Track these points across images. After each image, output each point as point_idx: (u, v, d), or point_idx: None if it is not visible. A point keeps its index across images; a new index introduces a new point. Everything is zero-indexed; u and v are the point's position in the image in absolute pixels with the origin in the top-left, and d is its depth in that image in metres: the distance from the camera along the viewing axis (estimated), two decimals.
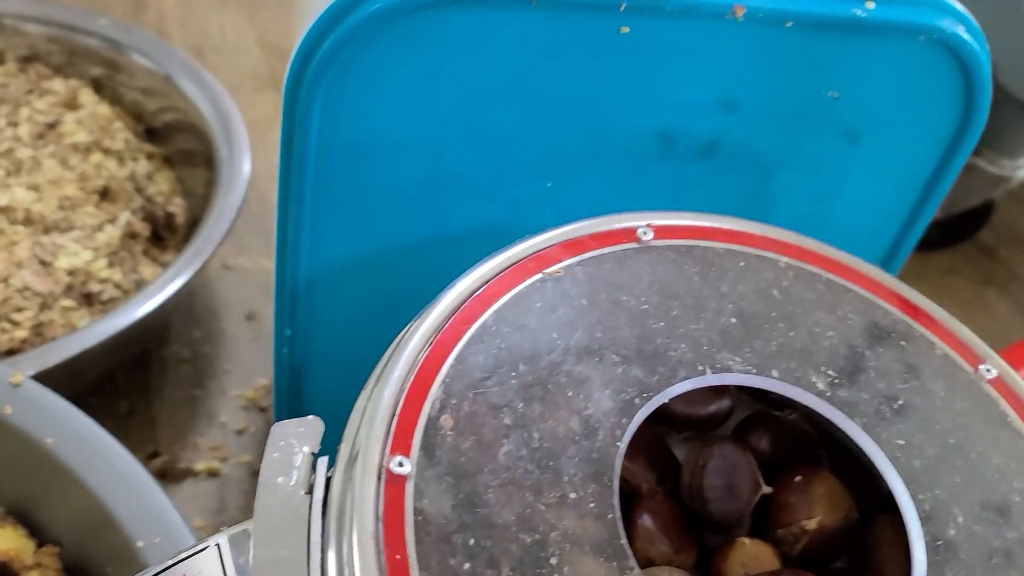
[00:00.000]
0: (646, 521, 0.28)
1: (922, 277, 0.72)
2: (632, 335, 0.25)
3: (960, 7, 0.32)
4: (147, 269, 0.57)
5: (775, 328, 0.26)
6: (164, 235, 0.61)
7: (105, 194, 0.59)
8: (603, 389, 0.24)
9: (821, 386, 0.25)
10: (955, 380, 0.26)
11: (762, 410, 0.33)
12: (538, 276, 0.26)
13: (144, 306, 0.48)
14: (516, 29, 0.30)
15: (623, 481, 0.30)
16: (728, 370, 0.25)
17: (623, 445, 0.23)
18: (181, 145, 0.64)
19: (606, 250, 0.27)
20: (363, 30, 0.28)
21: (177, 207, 0.61)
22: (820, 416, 0.27)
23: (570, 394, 0.24)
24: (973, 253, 0.74)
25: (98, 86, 0.65)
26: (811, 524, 0.29)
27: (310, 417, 0.23)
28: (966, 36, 0.32)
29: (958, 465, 0.25)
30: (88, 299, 0.53)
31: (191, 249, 0.52)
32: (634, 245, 0.27)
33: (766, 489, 0.29)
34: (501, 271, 0.26)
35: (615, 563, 0.21)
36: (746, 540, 0.29)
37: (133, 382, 0.56)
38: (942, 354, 0.27)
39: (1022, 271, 0.74)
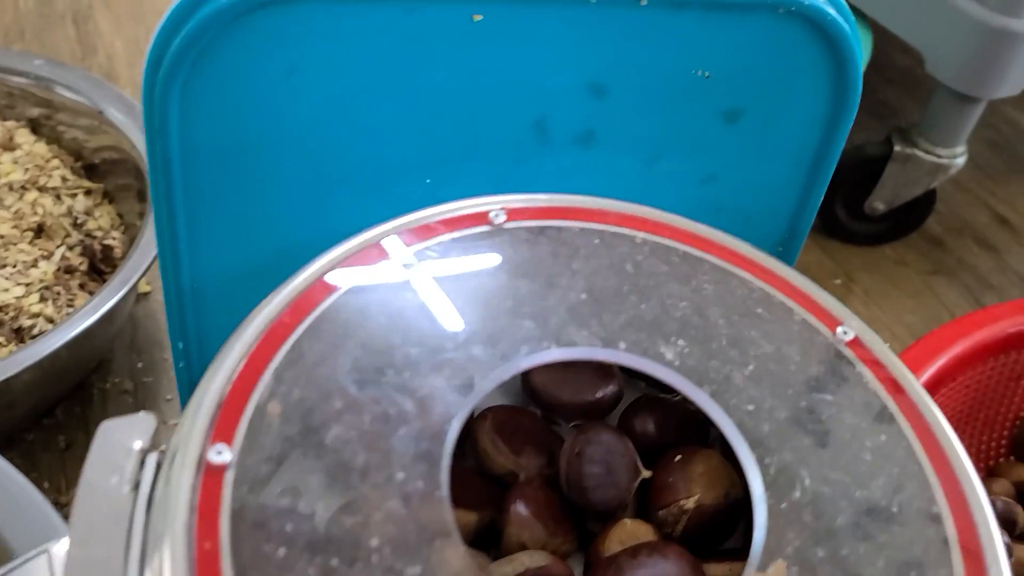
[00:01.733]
0: (519, 507, 0.27)
1: (872, 269, 0.72)
2: (476, 316, 0.25)
3: None
4: (83, 301, 0.57)
5: (626, 301, 0.26)
6: (102, 268, 0.61)
7: (40, 231, 0.59)
8: (440, 369, 0.24)
9: (670, 356, 0.25)
10: (811, 344, 0.26)
11: (647, 394, 0.32)
12: (382, 263, 0.26)
13: (69, 333, 0.48)
14: (372, 22, 0.30)
15: (502, 469, 0.29)
16: (573, 344, 0.24)
17: (458, 422, 0.23)
18: (120, 180, 0.65)
19: (457, 234, 0.26)
20: (211, 27, 0.28)
21: (115, 240, 0.61)
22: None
23: (407, 376, 0.23)
24: (921, 244, 0.74)
25: (36, 126, 0.66)
26: (689, 503, 0.28)
27: (142, 413, 0.23)
28: (828, 8, 0.32)
29: (809, 428, 0.24)
30: (19, 334, 0.53)
31: (119, 277, 0.52)
32: (486, 228, 0.27)
33: (645, 473, 0.29)
34: (344, 259, 0.25)
35: (438, 541, 0.21)
36: (627, 520, 0.28)
37: (72, 416, 0.56)
38: (800, 319, 0.26)
39: (970, 259, 0.73)
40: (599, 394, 0.32)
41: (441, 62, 0.31)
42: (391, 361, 0.24)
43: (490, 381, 0.24)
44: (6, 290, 0.54)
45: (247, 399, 0.22)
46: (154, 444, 0.23)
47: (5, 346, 0.52)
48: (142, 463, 0.23)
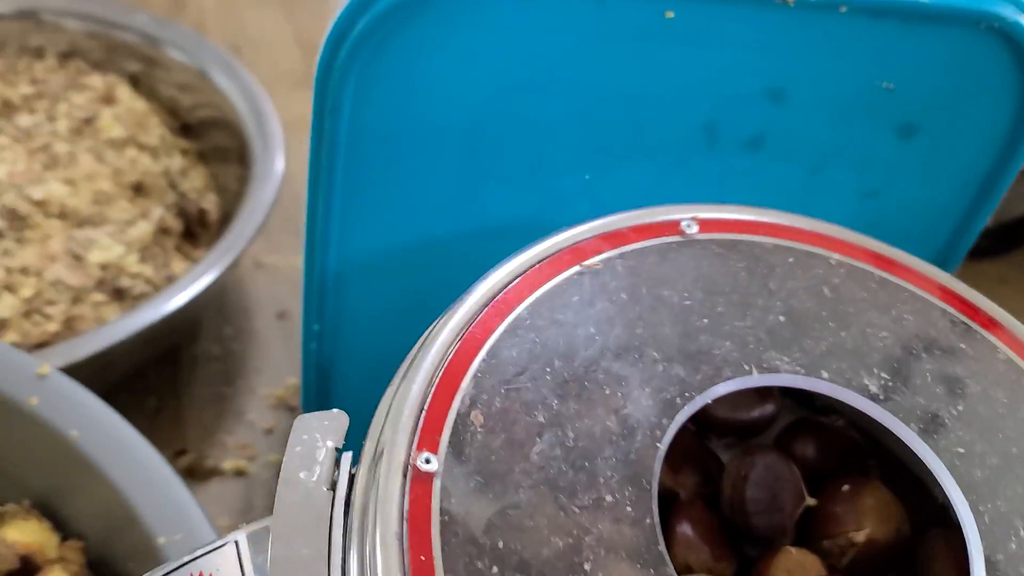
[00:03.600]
0: (685, 528, 0.27)
1: (973, 286, 0.70)
2: (674, 332, 0.24)
3: None
4: (179, 265, 0.56)
5: (825, 328, 0.25)
6: (196, 231, 0.60)
7: (139, 189, 0.59)
8: (642, 388, 0.23)
9: (874, 389, 0.24)
10: (1020, 386, 0.25)
11: (807, 416, 0.31)
12: (575, 269, 0.25)
13: (173, 301, 0.47)
14: (558, 13, 0.28)
15: (661, 487, 0.29)
16: (775, 370, 0.23)
17: (663, 447, 0.22)
18: (215, 141, 0.64)
19: (648, 243, 0.25)
20: (397, 11, 0.27)
21: (210, 203, 0.61)
22: (870, 422, 0.26)
23: (607, 392, 0.22)
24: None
25: (135, 82, 0.65)
26: (860, 536, 0.27)
27: (335, 411, 0.22)
28: None
29: (1023, 476, 0.23)
30: (119, 294, 0.53)
31: (222, 245, 0.51)
32: (677, 238, 0.26)
33: (810, 501, 0.28)
34: (536, 263, 0.24)
35: (652, 570, 0.20)
36: (792, 549, 0.28)
37: (163, 379, 0.56)
38: (1005, 358, 0.25)
39: None
40: (756, 413, 0.30)
41: (621, 57, 0.30)
42: (593, 374, 0.23)
43: (694, 404, 0.23)
44: (108, 248, 0.54)
45: (448, 406, 0.22)
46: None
47: (107, 305, 0.52)
48: (337, 462, 0.22)
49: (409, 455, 0.21)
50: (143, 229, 0.56)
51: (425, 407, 0.21)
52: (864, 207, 0.35)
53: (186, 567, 0.22)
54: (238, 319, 0.61)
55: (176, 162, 0.62)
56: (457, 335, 0.23)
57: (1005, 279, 0.70)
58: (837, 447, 0.30)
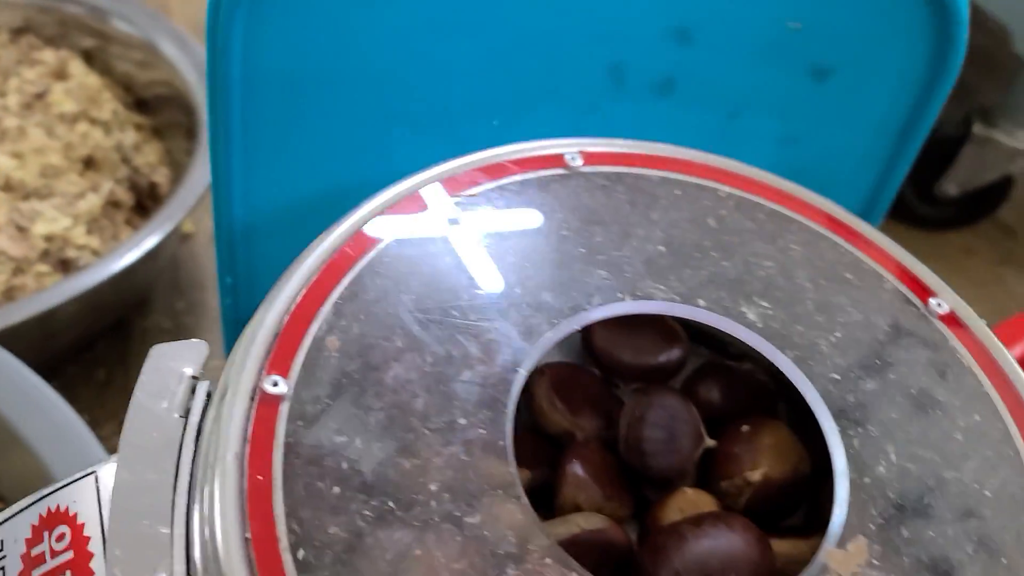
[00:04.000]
0: (575, 467, 0.26)
1: (938, 257, 0.69)
2: (547, 261, 0.23)
3: None
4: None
5: (707, 257, 0.24)
6: (148, 205, 0.60)
7: (89, 163, 0.59)
8: (507, 314, 0.22)
9: (752, 317, 0.23)
10: (902, 314, 0.24)
11: (715, 359, 0.31)
12: (451, 200, 0.24)
13: (113, 265, 0.47)
14: None
15: (559, 429, 0.28)
16: (650, 298, 0.23)
17: (524, 371, 0.21)
18: (170, 117, 0.64)
19: (530, 175, 0.25)
20: None
21: (162, 177, 0.60)
22: (774, 366, 0.25)
23: (472, 318, 0.22)
24: (992, 232, 0.71)
25: (89, 57, 0.65)
26: (755, 475, 0.27)
27: (194, 340, 0.22)
28: None
29: (897, 401, 0.22)
30: (65, 265, 0.53)
31: (165, 213, 0.51)
32: (561, 171, 0.25)
33: (709, 442, 0.27)
34: (410, 194, 0.24)
35: (501, 491, 0.19)
36: (688, 489, 0.27)
37: (112, 351, 0.56)
38: (891, 288, 0.25)
39: None
40: (663, 357, 0.30)
41: None
42: (456, 302, 0.22)
43: (559, 330, 0.22)
44: (54, 220, 0.54)
45: (305, 332, 0.21)
46: (204, 374, 0.22)
47: (51, 275, 0.52)
48: (193, 390, 0.22)
49: (258, 379, 0.20)
50: (92, 202, 0.56)
51: (279, 332, 0.21)
52: (784, 154, 0.35)
53: (44, 500, 0.22)
54: (192, 293, 0.60)
55: (129, 137, 0.62)
56: (320, 264, 0.22)
57: (971, 249, 0.69)
58: (744, 390, 0.30)
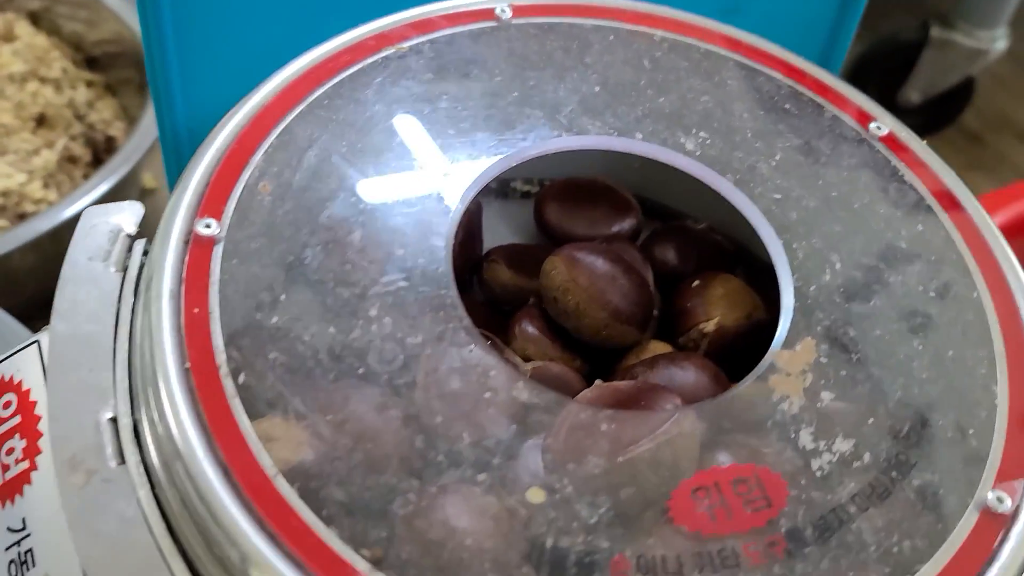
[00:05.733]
0: (525, 325, 0.26)
1: None
2: (480, 105, 0.23)
3: None
4: None
5: (643, 95, 0.24)
6: (105, 159, 0.59)
7: (42, 121, 0.58)
8: (442, 153, 0.22)
9: (690, 147, 0.23)
10: (842, 138, 0.24)
11: (669, 223, 0.31)
12: (381, 53, 0.24)
13: (67, 211, 0.47)
14: None
15: (516, 294, 0.28)
16: (586, 133, 0.23)
17: (461, 204, 0.21)
18: (122, 73, 0.63)
19: (460, 28, 0.25)
20: None
21: (118, 131, 0.60)
22: (732, 222, 0.25)
23: (405, 160, 0.22)
24: (958, 139, 0.71)
25: (36, 18, 0.64)
26: (709, 326, 0.27)
27: (128, 202, 0.22)
28: None
29: (840, 216, 0.22)
30: (23, 219, 0.52)
31: (117, 159, 0.51)
32: (491, 23, 0.25)
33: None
34: (339, 49, 0.24)
35: (441, 312, 0.19)
36: (649, 342, 0.27)
37: None
38: (830, 115, 0.25)
39: (1011, 155, 0.70)
40: (616, 227, 0.30)
41: None
42: (389, 145, 0.22)
43: (495, 168, 0.22)
44: (8, 176, 0.53)
45: (237, 178, 0.21)
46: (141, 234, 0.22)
47: (8, 230, 0.51)
48: (130, 249, 0.21)
49: (192, 223, 0.20)
50: (46, 158, 0.55)
51: (211, 178, 0.21)
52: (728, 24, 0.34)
53: None
54: None
55: (82, 94, 0.61)
56: (252, 114, 0.22)
57: (938, 155, 0.69)
58: (698, 248, 0.30)
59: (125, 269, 0.21)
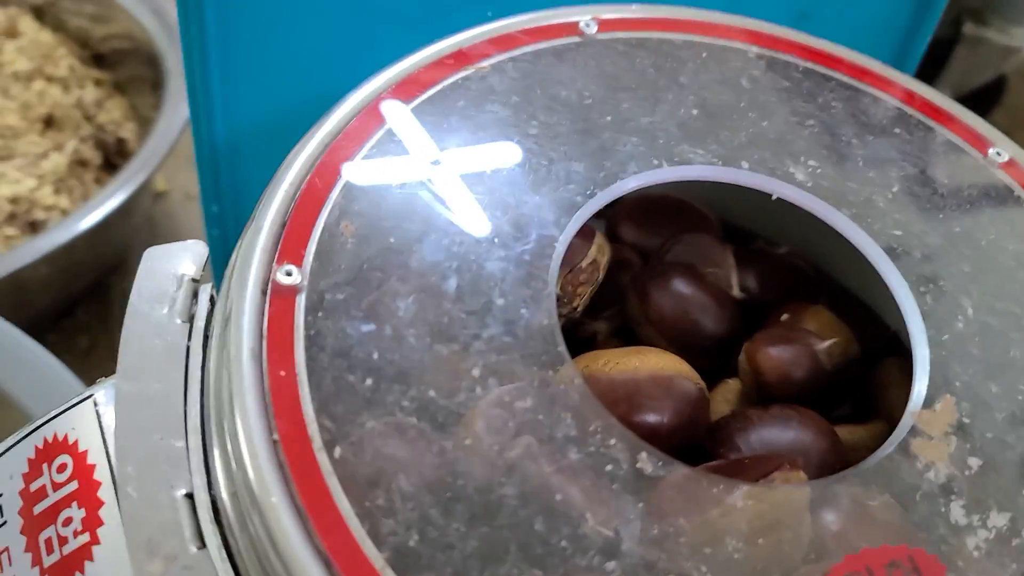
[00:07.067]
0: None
1: None
2: (573, 130, 0.21)
3: None
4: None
5: (744, 119, 0.22)
6: (117, 162, 0.57)
7: (50, 122, 0.56)
8: (538, 187, 0.20)
9: (801, 177, 0.21)
10: (960, 166, 0.22)
11: (751, 247, 0.29)
12: (461, 73, 0.22)
13: (82, 223, 0.44)
14: None
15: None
16: (688, 163, 0.21)
17: (560, 245, 0.19)
18: (132, 71, 0.61)
19: (542, 45, 0.23)
20: None
21: (129, 133, 0.57)
22: (816, 246, 0.23)
23: (499, 193, 0.20)
24: None
25: (39, 13, 0.61)
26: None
27: (191, 241, 0.20)
28: None
29: (967, 254, 0.21)
30: (34, 227, 0.50)
31: (134, 166, 0.48)
32: (576, 39, 0.23)
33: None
34: (416, 69, 0.22)
35: (550, 371, 0.17)
36: (729, 380, 0.25)
37: (93, 316, 0.53)
38: (944, 140, 0.23)
39: None
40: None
41: None
42: (481, 178, 0.20)
43: (596, 201, 0.20)
44: (17, 181, 0.51)
45: (315, 218, 0.19)
46: (204, 278, 0.20)
47: (19, 238, 0.49)
48: (195, 294, 0.19)
49: (269, 270, 0.18)
50: (56, 162, 0.53)
51: (287, 220, 0.19)
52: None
53: (39, 431, 0.20)
54: None
55: (90, 93, 0.59)
56: (326, 145, 0.20)
57: None
58: (781, 275, 0.28)
59: (191, 318, 0.19)
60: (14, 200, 0.50)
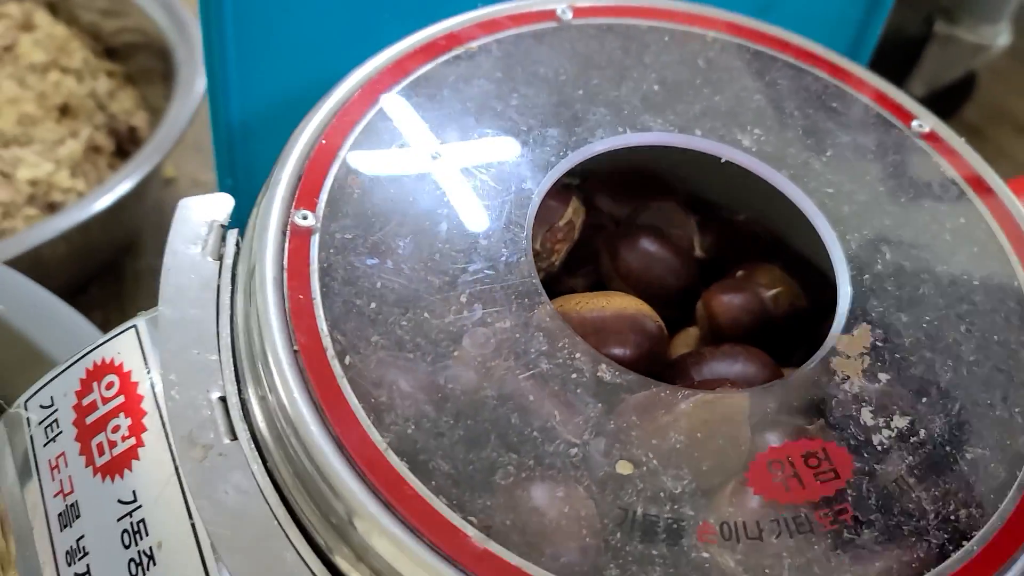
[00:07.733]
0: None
1: None
2: (549, 102, 0.24)
3: None
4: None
5: (699, 93, 0.25)
6: (129, 149, 0.60)
7: (65, 111, 0.59)
8: (519, 149, 0.23)
9: (747, 143, 0.25)
10: (887, 135, 0.26)
11: (709, 215, 0.32)
12: (452, 53, 0.25)
13: (97, 203, 0.47)
14: None
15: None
16: (649, 130, 0.24)
17: (536, 197, 0.22)
18: (143, 63, 0.64)
19: (524, 29, 0.26)
20: None
21: (140, 121, 0.60)
22: (772, 214, 0.26)
23: (484, 153, 0.23)
24: (958, 132, 0.73)
25: (53, 8, 0.65)
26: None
27: (220, 194, 0.23)
28: None
29: (889, 210, 0.24)
30: (53, 208, 0.53)
31: (148, 150, 0.52)
32: (553, 24, 0.26)
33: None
34: (412, 49, 0.25)
35: (526, 299, 0.21)
36: (691, 329, 0.28)
37: (107, 293, 0.56)
38: (874, 113, 0.26)
39: (1009, 148, 0.72)
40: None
41: None
42: (469, 140, 0.23)
43: (568, 161, 0.23)
44: (36, 165, 0.54)
45: (327, 172, 0.22)
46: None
47: (38, 218, 0.52)
48: (223, 238, 0.22)
49: (288, 214, 0.21)
50: (72, 147, 0.56)
51: (302, 174, 0.22)
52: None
53: (88, 356, 0.23)
54: None
55: (103, 84, 0.62)
56: (334, 112, 0.23)
57: None
58: (739, 239, 0.31)
59: (221, 257, 0.22)
60: (33, 183, 0.53)
